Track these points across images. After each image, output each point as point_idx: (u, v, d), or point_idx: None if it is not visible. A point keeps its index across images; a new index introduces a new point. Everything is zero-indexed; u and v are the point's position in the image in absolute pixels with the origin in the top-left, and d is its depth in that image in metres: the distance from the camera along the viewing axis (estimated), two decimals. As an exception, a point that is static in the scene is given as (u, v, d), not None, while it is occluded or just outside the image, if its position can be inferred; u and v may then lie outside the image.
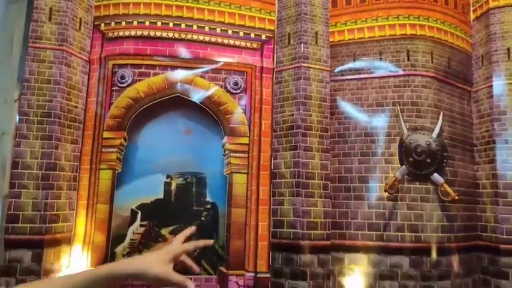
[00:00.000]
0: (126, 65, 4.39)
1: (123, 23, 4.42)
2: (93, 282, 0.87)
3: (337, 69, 4.89)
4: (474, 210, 4.86)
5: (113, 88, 4.36)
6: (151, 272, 0.86)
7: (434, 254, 4.41)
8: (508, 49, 4.80)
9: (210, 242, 1.10)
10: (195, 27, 4.50)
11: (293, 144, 4.34)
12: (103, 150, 4.24)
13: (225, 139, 4.46)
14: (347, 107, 4.79)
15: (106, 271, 0.93)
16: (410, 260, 4.35)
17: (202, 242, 0.92)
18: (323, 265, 4.14)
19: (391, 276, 4.31)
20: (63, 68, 4.10)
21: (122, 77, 4.36)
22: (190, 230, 1.14)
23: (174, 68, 4.45)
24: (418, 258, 4.35)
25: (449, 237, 4.53)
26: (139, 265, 0.89)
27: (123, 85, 4.36)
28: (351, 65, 4.89)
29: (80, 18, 4.26)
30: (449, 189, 4.42)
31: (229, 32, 4.59)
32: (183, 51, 4.50)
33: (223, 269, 4.23)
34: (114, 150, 4.25)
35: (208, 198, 4.48)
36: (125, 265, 0.88)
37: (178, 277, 0.90)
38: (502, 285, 4.48)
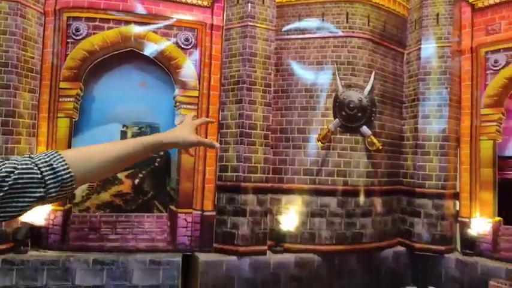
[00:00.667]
0: (80, 18, 4.59)
1: (77, -24, 4.57)
2: (143, 147, 1.10)
3: (284, 29, 5.27)
4: (398, 159, 5.55)
5: (68, 40, 4.59)
6: (188, 138, 1.15)
7: (359, 196, 5.11)
8: (437, 15, 5.29)
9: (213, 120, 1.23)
10: (147, -18, 4.69)
11: (239, 98, 4.78)
12: (60, 99, 4.54)
13: (176, 92, 4.84)
14: (291, 65, 5.24)
15: (154, 139, 1.15)
16: (338, 200, 5.03)
17: (206, 119, 1.42)
18: (261, 204, 4.75)
19: (320, 214, 5.00)
20: (18, 19, 4.27)
21: (77, 30, 4.58)
22: (207, 120, 1.62)
23: (127, 23, 4.70)
24: (344, 199, 5.04)
25: (373, 181, 5.22)
26: (179, 134, 1.17)
27: (78, 38, 4.59)
28: (296, 25, 5.28)
29: (33, -30, 4.37)
30: (375, 140, 5.04)
31: (181, -12, 4.81)
32: (137, 7, 4.73)
33: (173, 207, 4.77)
34: (71, 99, 4.55)
35: (161, 146, 4.92)
36: (168, 135, 1.16)
37: (207, 140, 1.24)
38: (415, 222, 5.28)
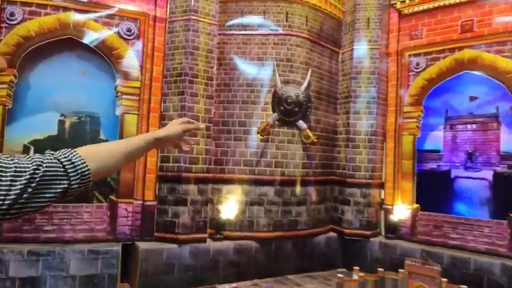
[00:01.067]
0: (15, 2, 4.42)
1: (11, -42, 4.39)
2: (145, 142, 1.25)
3: (227, 24, 5.44)
4: (332, 151, 5.96)
5: (1, 25, 4.40)
6: (177, 131, 1.34)
7: (295, 186, 5.43)
8: (368, 19, 5.74)
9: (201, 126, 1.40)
10: (88, -30, 4.62)
11: (181, 90, 4.89)
12: (-8, 86, 4.35)
13: (118, 82, 4.84)
14: (233, 59, 5.43)
15: (153, 135, 1.30)
16: (275, 190, 5.33)
17: (195, 125, 1.48)
18: (202, 194, 4.91)
19: (259, 203, 5.27)
20: None
21: (12, 14, 4.41)
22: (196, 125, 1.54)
23: (66, 9, 4.60)
24: (281, 188, 5.34)
25: (309, 172, 5.58)
26: (172, 129, 1.35)
27: (12, 22, 4.42)
28: (238, 21, 5.47)
29: (-39, -52, 4.15)
30: (310, 134, 5.39)
31: (123, -21, 4.80)
32: (77, -6, 4.65)
33: (113, 197, 4.78)
34: (4, 86, 4.38)
35: (101, 136, 4.90)
36: (164, 131, 1.34)
37: (191, 125, 1.42)
38: (345, 210, 5.72)
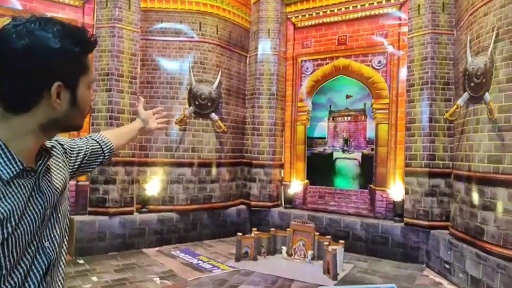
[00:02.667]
0: None
1: None
2: (138, 130, 1.64)
3: (148, 30, 6.36)
4: (241, 139, 7.19)
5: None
6: (152, 126, 1.71)
7: (209, 167, 6.58)
8: (269, 29, 6.99)
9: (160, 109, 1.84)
10: (21, -19, 5.27)
11: (108, 87, 5.74)
12: None
13: (51, 79, 5.55)
14: (154, 61, 6.38)
15: (137, 124, 1.65)
16: (192, 170, 6.42)
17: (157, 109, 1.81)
18: (129, 174, 5.86)
19: (178, 181, 6.33)
20: None
21: None
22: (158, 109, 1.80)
23: (2, 16, 5.21)
24: (197, 169, 6.46)
25: (221, 156, 6.75)
26: (149, 123, 1.69)
27: None
28: (158, 28, 6.42)
29: None
30: (221, 124, 6.55)
31: (54, -11, 5.52)
32: (13, 2, 5.28)
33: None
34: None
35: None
36: (141, 121, 1.66)
37: (160, 125, 1.78)
38: (252, 186, 6.98)
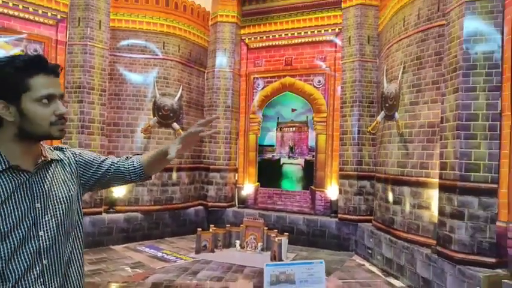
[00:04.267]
0: None
1: None
2: (163, 153, 1.47)
3: (116, 47, 7.02)
4: (200, 146, 8.01)
5: None
6: (171, 154, 1.42)
7: (171, 171, 7.32)
8: (225, 49, 7.89)
9: (214, 117, 1.67)
10: (0, 1, 5.79)
11: (80, 99, 6.34)
12: None
13: (26, 91, 6.05)
14: (122, 75, 7.05)
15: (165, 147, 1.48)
16: (155, 175, 7.12)
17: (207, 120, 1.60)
18: (98, 178, 6.46)
19: (143, 184, 7.02)
20: None
21: None
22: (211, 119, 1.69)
23: (-20, 32, 5.68)
24: (160, 173, 7.19)
25: (181, 161, 7.52)
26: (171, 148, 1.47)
27: None
28: (126, 46, 7.10)
29: None
30: (181, 133, 7.32)
31: (30, 9, 6.07)
32: (-12, 19, 5.75)
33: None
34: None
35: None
36: (175, 150, 1.46)
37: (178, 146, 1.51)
38: (209, 188, 7.80)
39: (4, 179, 1.23)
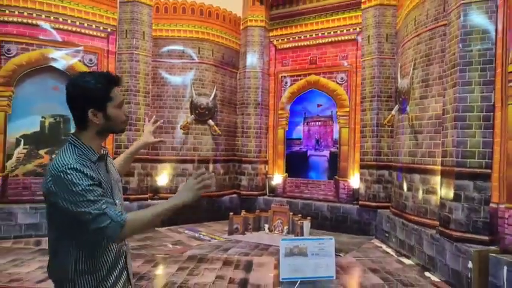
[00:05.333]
0: (11, 42, 6.53)
1: (7, 11, 6.50)
2: (172, 211, 1.65)
3: (158, 54, 7.96)
4: (233, 140, 8.80)
5: (1, 56, 6.50)
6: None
7: (208, 163, 8.17)
8: (255, 51, 8.60)
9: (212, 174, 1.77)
10: (61, 19, 6.87)
11: (128, 100, 7.32)
12: (-4, 99, 6.46)
13: (84, 95, 7.12)
14: (163, 78, 7.97)
15: (177, 204, 1.66)
16: (193, 166, 8.03)
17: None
18: (144, 169, 7.45)
19: (182, 174, 7.94)
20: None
21: (8, 50, 6.53)
22: (201, 171, 1.75)
23: (47, 46, 6.80)
24: (198, 165, 8.06)
25: (216, 154, 8.36)
26: (190, 196, 1.67)
27: (10, 55, 6.53)
28: (166, 52, 8.02)
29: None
30: (216, 128, 8.17)
31: (85, 24, 7.12)
32: (54, 36, 6.85)
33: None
34: (5, 99, 6.51)
35: (72, 131, 7.16)
36: (182, 199, 1.64)
37: (202, 191, 1.71)
38: (242, 178, 8.57)
39: (98, 165, 1.67)
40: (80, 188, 1.50)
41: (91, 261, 1.62)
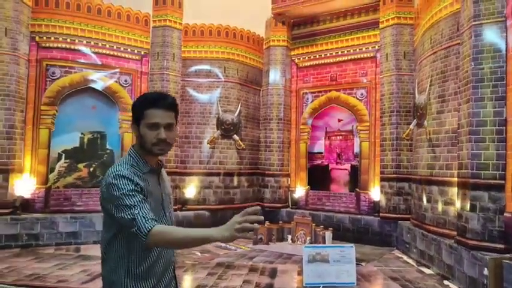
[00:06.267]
0: (55, 65, 7.19)
1: (52, 38, 7.18)
2: (202, 241, 1.58)
3: (186, 73, 8.50)
4: (256, 154, 9.20)
5: (46, 79, 7.15)
6: (232, 237, 1.52)
7: (232, 176, 8.57)
8: (277, 69, 9.04)
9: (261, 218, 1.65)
10: (99, 44, 7.51)
11: (159, 117, 7.83)
12: (42, 117, 7.08)
13: (119, 113, 7.71)
14: (191, 96, 8.50)
15: (209, 237, 1.55)
16: (219, 178, 8.45)
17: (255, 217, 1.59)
18: (173, 181, 7.91)
19: (209, 187, 8.37)
20: (14, 65, 6.71)
21: (53, 73, 7.19)
22: (254, 209, 1.62)
23: (87, 69, 7.43)
24: (223, 177, 8.48)
25: (241, 167, 8.76)
26: (227, 235, 1.53)
27: (54, 78, 7.19)
28: (194, 72, 8.56)
29: (23, 33, 6.87)
30: (241, 143, 8.60)
31: (121, 48, 7.74)
32: (94, 59, 7.49)
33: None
34: (50, 117, 7.14)
35: (108, 146, 7.74)
36: (219, 235, 1.53)
37: (241, 234, 1.57)
38: (265, 191, 8.93)
39: (149, 176, 1.73)
40: (121, 193, 1.59)
41: (144, 267, 1.68)
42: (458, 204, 5.12)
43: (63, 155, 7.43)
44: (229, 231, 1.57)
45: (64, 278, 4.93)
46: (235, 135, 8.63)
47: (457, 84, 5.55)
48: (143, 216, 1.55)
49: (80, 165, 7.54)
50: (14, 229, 6.51)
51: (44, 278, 4.90)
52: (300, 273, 5.37)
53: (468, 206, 4.84)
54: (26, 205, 6.90)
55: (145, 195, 1.65)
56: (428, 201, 6.11)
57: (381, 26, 7.83)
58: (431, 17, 6.28)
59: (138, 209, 1.56)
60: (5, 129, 6.60)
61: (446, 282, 5.16)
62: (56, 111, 7.25)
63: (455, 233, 5.29)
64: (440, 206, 5.81)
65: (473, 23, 4.91)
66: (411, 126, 6.88)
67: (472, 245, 4.74)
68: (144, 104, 1.71)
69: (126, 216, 1.56)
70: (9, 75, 6.67)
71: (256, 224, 1.63)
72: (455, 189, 5.42)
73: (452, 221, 5.50)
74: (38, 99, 7.13)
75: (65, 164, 7.45)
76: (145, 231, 1.53)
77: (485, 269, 4.35)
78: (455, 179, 5.40)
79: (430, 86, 6.18)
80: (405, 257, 6.64)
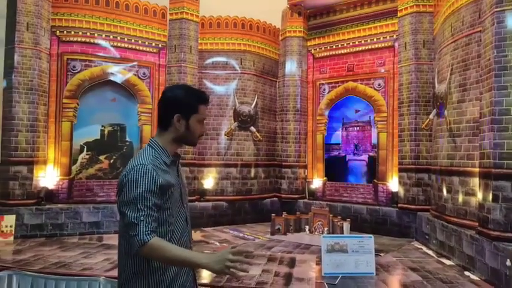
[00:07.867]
0: (76, 59, 7.33)
1: (72, 32, 7.31)
2: (189, 264, 1.63)
3: (203, 65, 8.55)
4: (273, 145, 9.23)
5: (68, 73, 7.30)
6: (220, 269, 1.50)
7: (250, 167, 8.63)
8: (293, 60, 9.01)
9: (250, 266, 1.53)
10: (118, 38, 7.61)
11: (177, 109, 7.92)
12: (64, 110, 7.25)
13: (138, 105, 7.83)
14: (208, 88, 8.55)
15: (197, 262, 1.55)
16: (236, 169, 8.53)
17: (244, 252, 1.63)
18: (191, 172, 8.01)
19: (227, 178, 8.45)
20: (36, 60, 6.87)
21: (74, 67, 7.33)
22: (245, 250, 1.69)
23: (106, 62, 7.55)
24: (241, 169, 8.55)
25: (258, 159, 8.80)
26: (216, 266, 1.52)
27: (75, 71, 7.33)
28: (210, 64, 8.60)
29: (44, 28, 7.01)
30: (258, 134, 8.63)
31: (140, 42, 7.83)
32: (113, 53, 7.60)
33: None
34: (71, 110, 7.30)
35: (127, 139, 7.88)
36: (206, 263, 1.53)
37: (229, 273, 1.52)
38: (282, 182, 8.96)
39: (171, 168, 1.84)
40: (139, 191, 1.62)
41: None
42: (479, 194, 5.05)
43: (85, 147, 7.60)
44: (220, 265, 1.57)
45: (88, 266, 5.07)
46: (252, 127, 8.67)
47: (478, 73, 5.44)
48: (146, 225, 1.60)
49: (101, 157, 7.71)
50: (39, 219, 6.72)
51: (70, 265, 5.06)
52: (318, 263, 5.41)
53: (490, 197, 4.77)
54: (50, 196, 7.11)
55: (166, 190, 1.70)
56: (449, 191, 6.04)
57: (399, 14, 7.69)
58: (452, 3, 6.15)
59: (144, 217, 1.61)
60: (29, 122, 6.78)
61: (467, 273, 5.12)
62: (77, 104, 7.40)
63: (476, 223, 5.23)
64: (461, 197, 5.74)
65: (496, 9, 4.79)
66: (431, 116, 6.78)
67: (494, 235, 4.68)
68: (198, 100, 1.85)
69: (130, 217, 1.61)
70: (32, 69, 6.83)
71: (247, 268, 1.66)
72: (476, 180, 5.34)
73: (473, 211, 5.43)
74: (60, 93, 7.29)
75: (87, 156, 7.62)
76: (143, 242, 1.59)
77: (508, 260, 4.30)
78: (477, 169, 5.32)
79: (450, 74, 6.07)
80: (424, 248, 6.60)
